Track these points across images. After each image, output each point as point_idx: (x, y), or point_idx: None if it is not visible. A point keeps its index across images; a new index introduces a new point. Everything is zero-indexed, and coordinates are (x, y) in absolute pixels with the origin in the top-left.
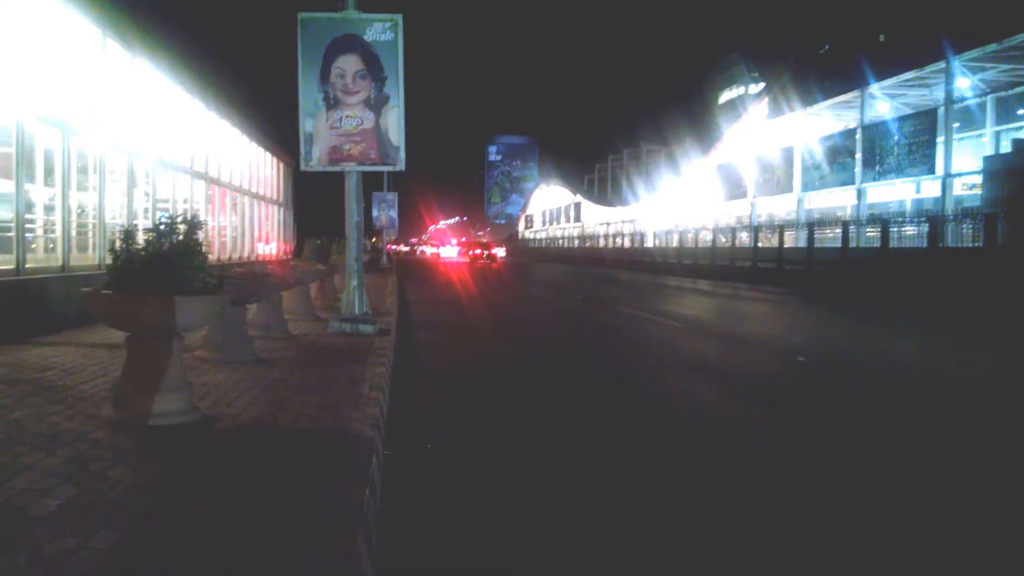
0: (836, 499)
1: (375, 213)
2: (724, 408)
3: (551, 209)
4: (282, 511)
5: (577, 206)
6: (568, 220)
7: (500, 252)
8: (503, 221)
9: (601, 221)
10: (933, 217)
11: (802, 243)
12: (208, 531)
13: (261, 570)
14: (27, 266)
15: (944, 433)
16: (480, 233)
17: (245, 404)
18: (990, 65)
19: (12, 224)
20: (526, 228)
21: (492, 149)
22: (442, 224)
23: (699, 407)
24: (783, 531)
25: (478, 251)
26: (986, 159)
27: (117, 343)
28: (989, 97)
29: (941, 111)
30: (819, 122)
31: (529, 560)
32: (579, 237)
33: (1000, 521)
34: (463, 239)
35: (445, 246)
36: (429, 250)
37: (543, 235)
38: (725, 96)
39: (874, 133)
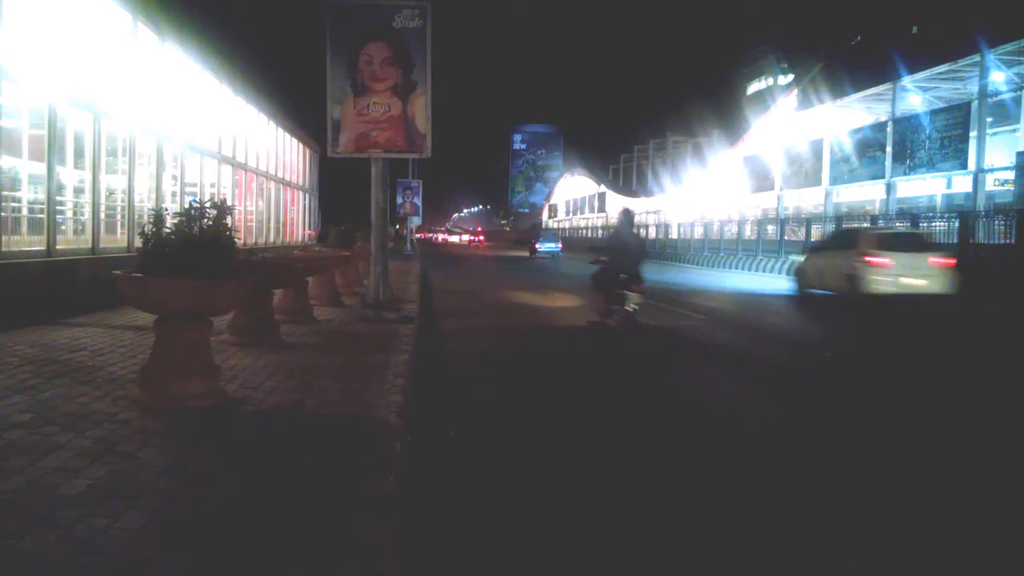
0: None
1: (399, 200)
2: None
3: (575, 199)
4: (307, 496)
5: (601, 196)
6: (592, 210)
7: (483, 238)
8: (527, 210)
9: None
10: (964, 213)
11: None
12: (234, 515)
13: (286, 556)
14: (58, 248)
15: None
16: (502, 224)
17: (270, 388)
18: None
19: (44, 206)
20: (550, 217)
21: (517, 138)
22: (465, 213)
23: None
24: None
25: (470, 237)
26: (1019, 154)
27: (146, 326)
28: None
29: (975, 105)
30: (849, 115)
31: (547, 551)
32: (603, 227)
33: None
34: (478, 228)
35: (452, 236)
36: (441, 236)
37: (567, 224)
38: (753, 87)
39: (905, 126)
